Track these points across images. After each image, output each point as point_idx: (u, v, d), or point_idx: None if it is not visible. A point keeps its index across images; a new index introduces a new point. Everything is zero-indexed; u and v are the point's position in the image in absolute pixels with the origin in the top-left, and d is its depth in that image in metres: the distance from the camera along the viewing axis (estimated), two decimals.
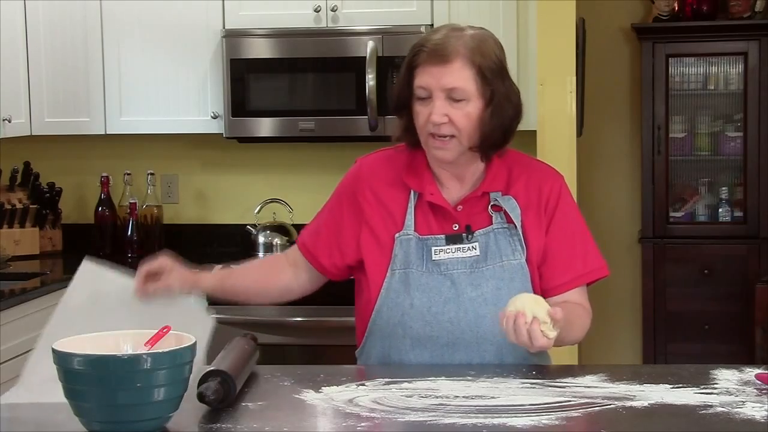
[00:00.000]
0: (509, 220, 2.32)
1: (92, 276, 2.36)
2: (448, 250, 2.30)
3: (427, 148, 2.30)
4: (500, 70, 2.29)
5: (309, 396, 2.04)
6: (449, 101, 2.25)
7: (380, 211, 2.33)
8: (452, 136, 2.26)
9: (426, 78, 2.26)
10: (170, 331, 1.91)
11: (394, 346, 2.31)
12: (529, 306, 2.09)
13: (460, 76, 2.25)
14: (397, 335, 2.30)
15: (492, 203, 2.33)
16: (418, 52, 2.29)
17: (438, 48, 2.26)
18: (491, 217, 2.33)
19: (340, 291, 3.82)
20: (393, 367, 2.29)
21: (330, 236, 2.40)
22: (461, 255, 2.30)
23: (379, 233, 2.33)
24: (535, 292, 2.29)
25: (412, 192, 2.33)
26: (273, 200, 4.61)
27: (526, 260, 2.31)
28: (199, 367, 1.99)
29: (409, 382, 2.11)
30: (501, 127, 2.29)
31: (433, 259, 2.29)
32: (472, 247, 2.31)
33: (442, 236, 2.31)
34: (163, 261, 2.36)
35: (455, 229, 2.32)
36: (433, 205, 2.32)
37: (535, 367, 2.27)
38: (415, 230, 2.31)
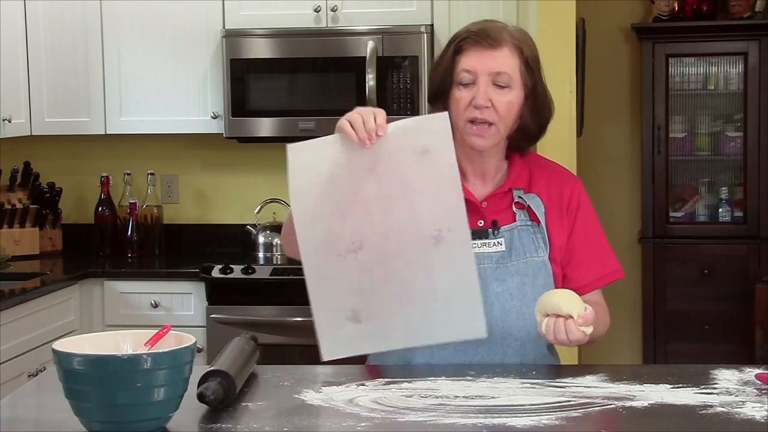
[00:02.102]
0: (532, 218, 2.35)
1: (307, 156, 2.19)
2: (474, 245, 2.31)
3: (464, 135, 2.30)
4: (539, 65, 2.35)
5: (309, 396, 2.04)
6: (493, 87, 2.28)
7: None
8: (491, 124, 2.28)
9: (473, 61, 2.28)
10: (170, 331, 1.91)
11: None
12: (565, 305, 2.13)
13: (507, 62, 2.29)
14: None
15: (516, 200, 2.36)
16: (465, 38, 2.30)
17: (486, 33, 2.29)
18: (515, 214, 2.35)
19: None
20: (393, 367, 2.29)
21: None
22: (487, 250, 2.32)
23: None
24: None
25: None
26: (273, 200, 4.61)
27: (548, 258, 2.33)
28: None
29: (409, 382, 2.11)
30: (539, 121, 2.35)
31: None
32: (498, 242, 2.33)
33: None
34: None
35: (480, 225, 2.33)
36: None
37: (536, 367, 2.27)
38: None
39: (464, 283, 2.19)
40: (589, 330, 2.13)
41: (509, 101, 2.29)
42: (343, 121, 2.16)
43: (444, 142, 2.16)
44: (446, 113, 2.18)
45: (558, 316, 2.12)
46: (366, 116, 2.14)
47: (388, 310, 2.20)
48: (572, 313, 2.11)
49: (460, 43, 2.30)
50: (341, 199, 2.17)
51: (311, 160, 2.18)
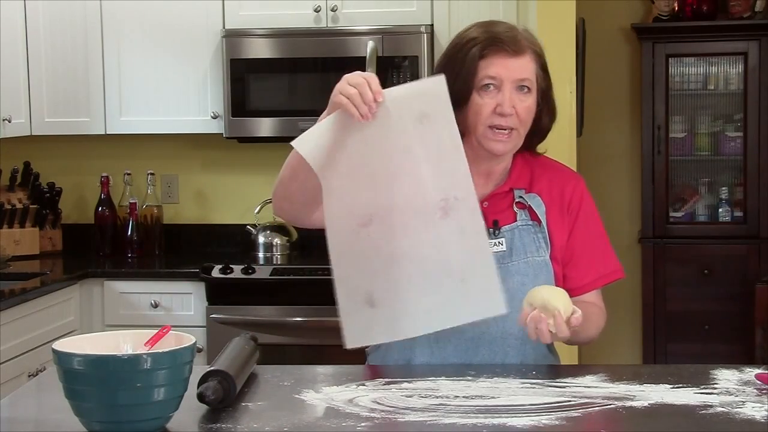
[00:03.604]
0: (533, 218, 2.35)
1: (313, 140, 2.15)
2: None
3: (482, 140, 2.29)
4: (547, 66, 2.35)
5: (309, 396, 2.04)
6: (516, 93, 2.27)
7: None
8: (512, 129, 2.28)
9: (497, 68, 2.27)
10: (170, 331, 1.91)
11: (417, 340, 2.30)
12: (553, 300, 2.12)
13: (529, 68, 2.29)
14: None
15: (517, 200, 2.36)
16: (488, 45, 2.28)
17: (510, 40, 2.28)
18: (516, 214, 2.35)
19: None
20: (393, 367, 2.29)
21: None
22: None
23: None
24: None
25: None
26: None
27: (549, 257, 2.34)
28: None
29: (409, 382, 2.11)
30: (552, 118, 2.36)
31: None
32: (499, 242, 2.33)
33: None
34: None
35: None
36: None
37: (536, 367, 2.27)
38: None
39: (478, 256, 2.11)
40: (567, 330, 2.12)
41: (529, 106, 2.29)
42: (339, 97, 2.11)
43: (443, 105, 2.09)
44: (442, 76, 2.11)
45: (545, 310, 2.12)
46: (361, 88, 2.08)
47: (398, 293, 2.12)
48: (560, 309, 2.11)
49: (483, 50, 2.28)
50: (352, 173, 2.12)
51: (319, 144, 2.13)
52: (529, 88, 2.28)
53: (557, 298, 2.13)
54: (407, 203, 2.11)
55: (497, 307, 2.13)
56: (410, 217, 2.12)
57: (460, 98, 2.27)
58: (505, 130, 2.27)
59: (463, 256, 2.12)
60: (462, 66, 2.29)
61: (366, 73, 2.12)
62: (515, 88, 2.27)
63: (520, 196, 2.36)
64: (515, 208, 2.36)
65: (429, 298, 2.13)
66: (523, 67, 2.28)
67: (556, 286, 2.32)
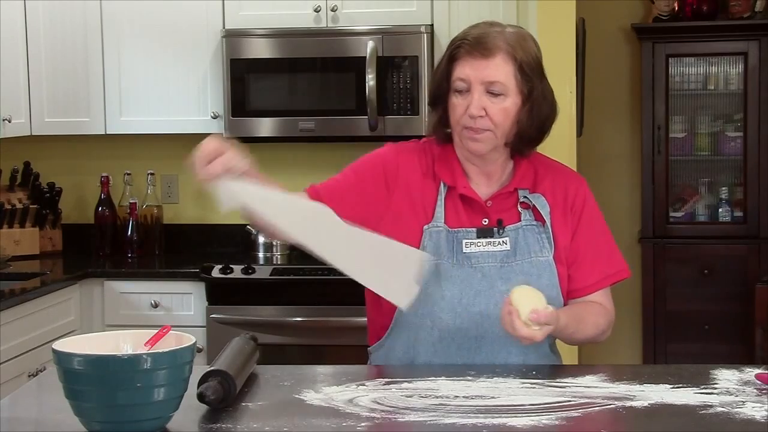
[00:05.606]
0: (537, 218, 2.35)
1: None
2: (478, 244, 2.32)
3: (461, 141, 2.32)
4: (539, 68, 2.33)
5: (309, 396, 2.04)
6: (488, 95, 2.27)
7: (409, 201, 2.34)
8: (486, 130, 2.28)
9: (466, 70, 2.28)
10: (170, 331, 1.91)
11: (420, 338, 2.31)
12: (516, 300, 2.13)
13: (501, 70, 2.28)
14: (425, 326, 2.30)
15: (521, 200, 2.36)
16: (460, 45, 2.30)
17: (480, 41, 2.29)
18: (520, 214, 2.36)
19: (340, 291, 3.84)
20: (393, 367, 2.29)
21: (350, 192, 2.35)
22: (492, 249, 2.32)
23: (406, 223, 2.33)
24: (561, 290, 2.33)
25: (441, 184, 2.35)
26: None
27: (553, 257, 2.34)
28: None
29: (409, 382, 2.12)
30: (537, 125, 2.33)
31: (464, 251, 2.31)
32: (503, 241, 2.33)
33: (473, 229, 2.33)
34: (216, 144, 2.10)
35: (484, 223, 2.34)
36: (464, 199, 2.34)
37: (535, 367, 2.27)
38: (444, 222, 2.32)
39: (411, 253, 2.18)
40: (538, 328, 2.12)
41: (504, 109, 2.28)
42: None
43: (414, 271, 2.15)
44: (428, 255, 2.23)
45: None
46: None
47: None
48: (520, 310, 2.12)
49: (455, 51, 2.31)
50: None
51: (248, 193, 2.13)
52: (502, 92, 2.28)
53: (522, 299, 2.13)
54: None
55: (403, 299, 2.17)
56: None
57: (441, 99, 2.33)
58: (477, 132, 2.28)
59: (400, 246, 2.17)
60: (440, 68, 2.34)
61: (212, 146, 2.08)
62: (486, 90, 2.28)
63: (525, 196, 2.36)
64: (519, 208, 2.36)
65: (365, 252, 2.16)
66: (491, 69, 2.27)
67: (561, 286, 2.33)
